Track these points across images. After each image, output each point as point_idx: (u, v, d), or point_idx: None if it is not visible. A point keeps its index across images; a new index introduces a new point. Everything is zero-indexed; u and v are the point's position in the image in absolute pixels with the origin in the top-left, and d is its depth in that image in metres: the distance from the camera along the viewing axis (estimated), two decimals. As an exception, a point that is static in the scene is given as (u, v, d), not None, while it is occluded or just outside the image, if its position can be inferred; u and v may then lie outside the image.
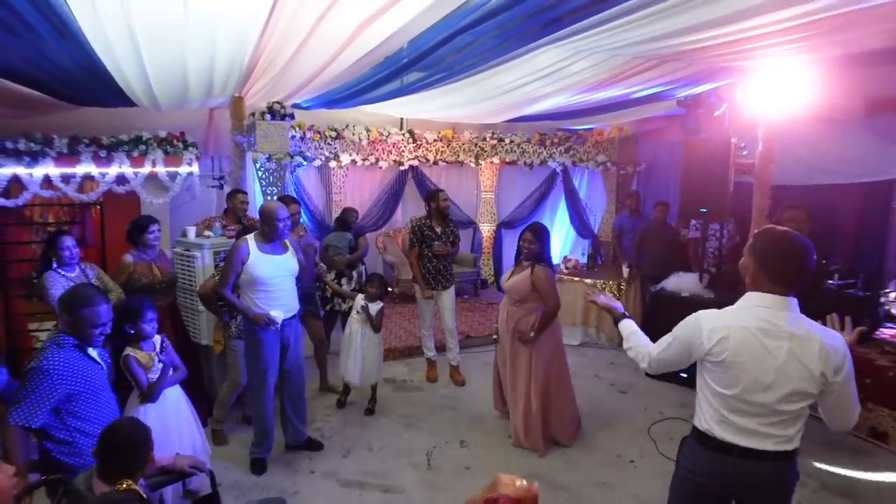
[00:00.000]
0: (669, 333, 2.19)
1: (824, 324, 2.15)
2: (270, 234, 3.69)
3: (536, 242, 4.12)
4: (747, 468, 2.03)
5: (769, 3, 3.04)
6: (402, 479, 3.85)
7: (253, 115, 5.69)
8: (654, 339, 2.36)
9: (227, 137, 6.04)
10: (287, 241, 3.83)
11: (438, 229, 5.27)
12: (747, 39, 3.77)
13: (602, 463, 4.09)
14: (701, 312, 2.10)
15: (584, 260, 7.43)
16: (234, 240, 4.27)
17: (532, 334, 4.12)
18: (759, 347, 1.95)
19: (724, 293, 5.48)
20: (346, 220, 5.80)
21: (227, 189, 5.89)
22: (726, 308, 2.07)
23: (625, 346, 2.43)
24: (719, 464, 2.07)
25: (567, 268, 6.99)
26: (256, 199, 6.07)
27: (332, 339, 5.64)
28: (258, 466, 3.90)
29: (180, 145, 5.70)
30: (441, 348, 5.66)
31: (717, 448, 2.06)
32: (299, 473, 3.90)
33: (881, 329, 5.06)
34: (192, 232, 4.69)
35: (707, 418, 2.09)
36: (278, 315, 3.68)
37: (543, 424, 4.20)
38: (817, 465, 4.01)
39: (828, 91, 4.64)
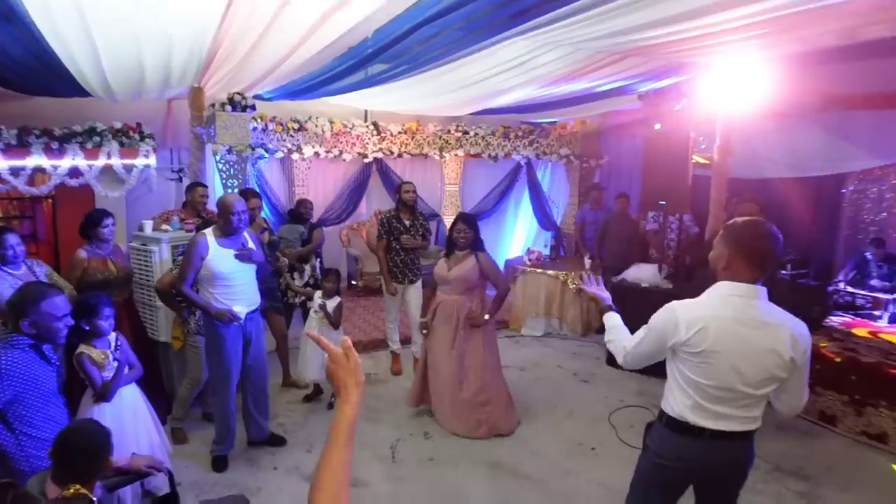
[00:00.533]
0: (644, 326, 2.20)
1: None
2: (226, 228, 3.62)
3: (471, 231, 4.26)
4: (715, 449, 2.11)
5: (727, 1, 3.11)
6: (366, 472, 3.85)
7: (213, 105, 5.55)
8: None
9: (186, 129, 5.88)
10: (246, 234, 3.76)
11: (407, 222, 5.25)
12: (706, 36, 3.86)
13: (565, 451, 4.15)
14: (675, 303, 2.11)
15: (546, 252, 7.51)
16: (193, 234, 4.19)
17: (487, 317, 4.31)
18: (736, 337, 2.00)
19: (680, 284, 5.62)
20: (300, 212, 5.68)
21: (186, 182, 5.75)
22: (700, 298, 2.10)
23: (605, 338, 2.42)
24: (689, 447, 2.14)
25: (530, 260, 7.06)
26: (217, 192, 5.93)
27: (290, 333, 5.57)
28: (220, 464, 3.84)
29: (137, 137, 5.53)
30: (406, 341, 5.66)
31: (688, 432, 2.11)
32: (262, 470, 3.86)
33: (830, 317, 5.27)
34: (149, 226, 4.57)
35: (679, 405, 2.13)
36: (241, 310, 3.63)
37: (491, 408, 4.35)
38: (770, 447, 4.15)
39: (782, 87, 4.78)
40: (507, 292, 4.42)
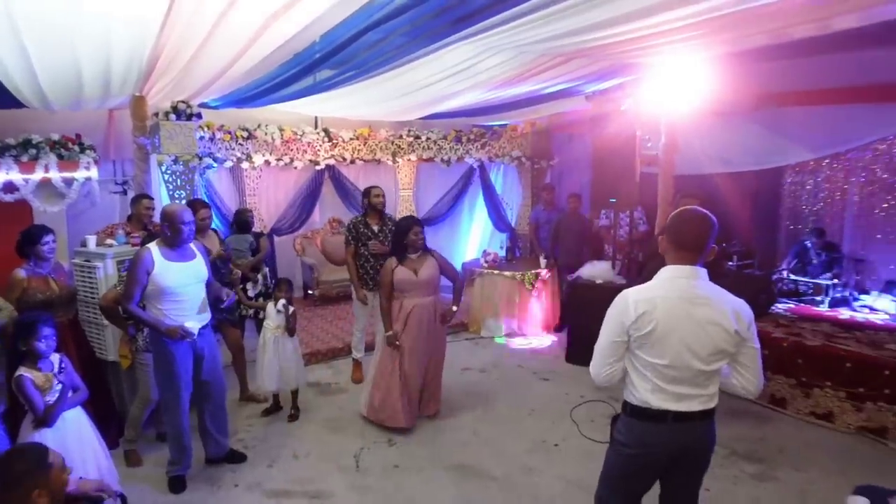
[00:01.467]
0: (603, 323, 2.27)
1: None
2: (174, 240, 3.47)
3: (423, 232, 4.39)
4: (679, 432, 2.21)
5: (666, 2, 3.21)
6: (330, 483, 3.79)
7: (156, 115, 5.39)
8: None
9: (128, 139, 5.68)
10: (193, 246, 3.63)
11: (375, 227, 5.20)
12: (648, 37, 3.97)
13: (529, 449, 4.19)
14: (626, 290, 2.22)
15: (502, 253, 7.57)
16: (139, 247, 4.05)
17: (454, 308, 4.51)
18: (683, 315, 2.12)
19: (634, 279, 5.76)
20: (245, 220, 5.53)
21: (131, 195, 5.55)
22: (647, 283, 2.22)
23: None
24: (654, 433, 2.23)
25: (487, 261, 7.10)
26: (163, 203, 5.76)
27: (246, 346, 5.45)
28: (177, 485, 3.70)
29: (76, 148, 5.29)
30: (371, 348, 5.60)
31: (652, 418, 2.21)
32: (222, 488, 3.75)
33: (776, 304, 5.48)
34: (92, 241, 4.39)
35: (641, 391, 2.21)
36: (193, 326, 3.48)
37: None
38: (726, 433, 4.28)
39: (721, 86, 4.96)
40: (463, 283, 4.65)
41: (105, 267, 4.14)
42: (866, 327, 4.86)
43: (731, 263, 5.92)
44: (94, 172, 5.40)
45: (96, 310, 4.11)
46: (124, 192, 5.96)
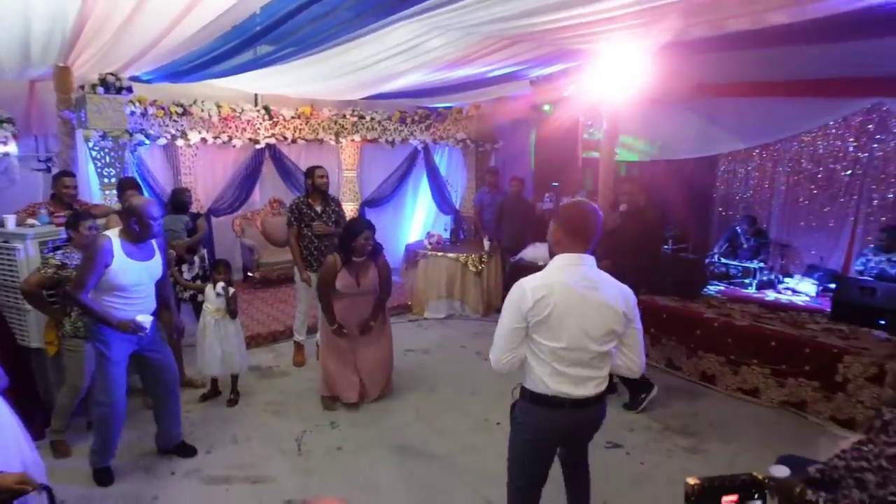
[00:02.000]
0: (501, 312, 2.37)
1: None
2: (143, 236, 3.29)
3: (373, 237, 4.31)
4: (575, 417, 2.38)
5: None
6: (271, 468, 3.73)
7: (82, 87, 5.08)
8: None
9: (52, 113, 5.33)
10: (154, 242, 3.45)
11: (318, 208, 5.10)
12: (589, 24, 4.02)
13: (470, 428, 4.24)
14: (522, 279, 2.32)
15: (446, 235, 7.59)
16: (63, 228, 3.83)
17: (372, 323, 4.49)
18: (577, 298, 2.24)
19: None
20: (182, 200, 5.29)
21: (55, 171, 5.23)
22: (542, 272, 2.35)
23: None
24: (553, 418, 2.38)
25: (430, 243, 7.10)
26: (91, 181, 5.47)
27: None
28: (103, 477, 3.52)
29: (-9, 122, 4.95)
30: (313, 330, 5.52)
31: (550, 404, 2.34)
32: (157, 477, 3.62)
33: (708, 286, 5.73)
34: (11, 221, 4.10)
35: (539, 377, 2.32)
36: (145, 319, 3.32)
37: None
38: (660, 410, 4.46)
39: (661, 75, 5.08)
40: (387, 297, 4.62)
41: (26, 248, 3.88)
42: (790, 308, 5.15)
43: (666, 247, 6.14)
44: (12, 147, 5.06)
45: (17, 294, 3.86)
46: (48, 170, 5.60)
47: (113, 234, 3.28)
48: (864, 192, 5.93)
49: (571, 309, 2.23)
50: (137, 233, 3.29)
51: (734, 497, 0.66)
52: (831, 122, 6.00)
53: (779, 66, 5.24)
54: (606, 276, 2.36)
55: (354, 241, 4.22)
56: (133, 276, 3.28)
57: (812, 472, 2.52)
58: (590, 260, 2.33)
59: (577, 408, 2.34)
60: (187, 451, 3.88)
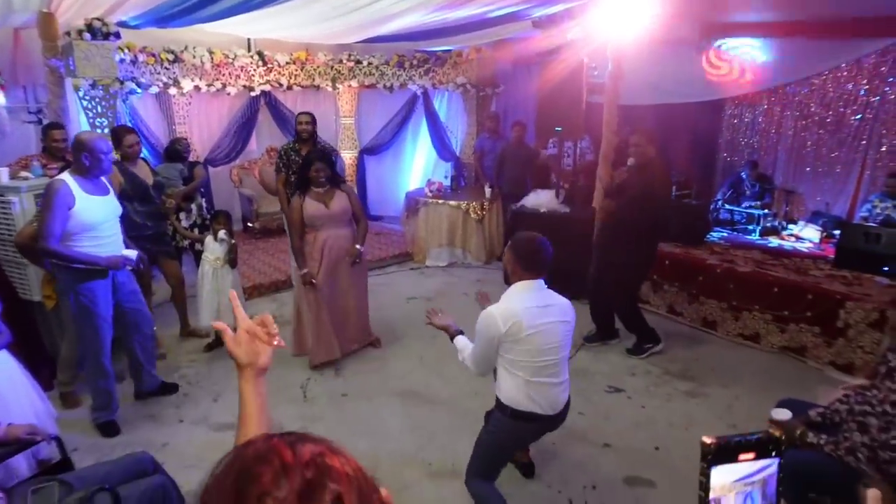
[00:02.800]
0: (476, 338, 2.66)
1: None
2: (93, 171, 3.19)
3: (328, 168, 4.22)
4: (549, 424, 2.70)
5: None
6: (277, 415, 3.78)
7: (68, 34, 4.89)
8: None
9: (39, 62, 5.16)
10: (104, 179, 3.38)
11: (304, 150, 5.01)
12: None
13: (473, 374, 4.28)
14: (490, 308, 2.59)
15: (447, 182, 7.50)
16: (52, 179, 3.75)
17: (358, 246, 4.37)
18: (540, 318, 2.54)
19: (578, 208, 5.83)
20: (177, 149, 5.21)
21: (46, 123, 5.12)
22: (505, 300, 2.62)
23: (459, 357, 2.83)
24: (529, 429, 2.71)
25: (431, 191, 7.03)
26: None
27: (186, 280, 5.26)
28: (110, 429, 3.58)
29: (-24, 72, 4.80)
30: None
31: (526, 419, 2.61)
32: (166, 425, 3.69)
33: (711, 233, 5.69)
34: (4, 174, 4.03)
35: (513, 391, 2.60)
36: (130, 253, 3.32)
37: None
38: (660, 355, 4.51)
39: (668, 15, 4.90)
40: (367, 224, 4.56)
41: (21, 201, 3.83)
42: (793, 255, 5.13)
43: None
44: (0, 99, 4.92)
45: (15, 248, 3.83)
46: (39, 122, 5.47)
47: (65, 176, 3.19)
48: (874, 137, 5.81)
49: (538, 327, 2.52)
50: (88, 167, 3.20)
51: (751, 455, 0.65)
52: (843, 65, 5.82)
53: (790, 6, 5.05)
54: (556, 295, 2.68)
55: (307, 173, 4.20)
56: (99, 213, 3.24)
57: (813, 415, 2.55)
58: (541, 283, 2.65)
59: (550, 421, 2.68)
60: (170, 388, 3.97)
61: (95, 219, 3.21)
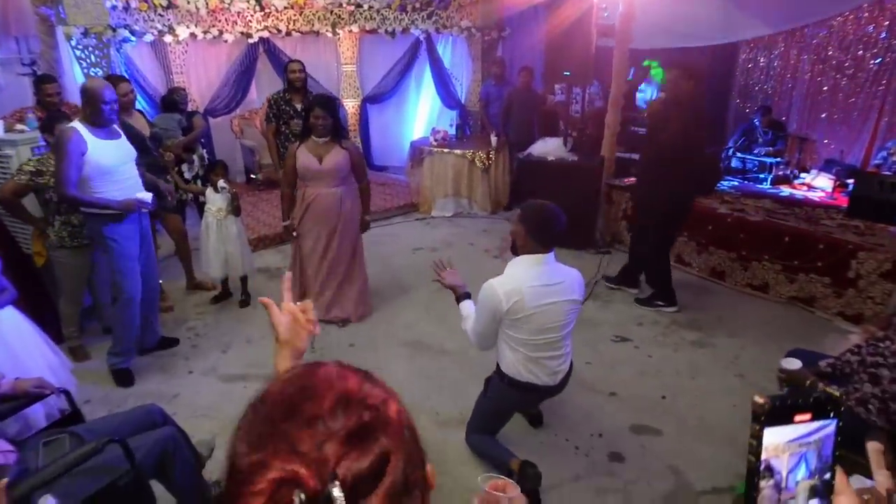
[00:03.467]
0: (475, 310, 2.60)
1: None
2: (95, 119, 3.15)
3: (330, 117, 3.86)
4: (548, 393, 2.71)
5: None
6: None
7: (57, -21, 4.72)
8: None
9: (29, 11, 5.00)
10: (116, 126, 3.34)
11: (298, 105, 4.90)
12: None
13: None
14: (493, 280, 2.50)
15: (452, 131, 7.35)
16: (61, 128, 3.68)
17: (368, 217, 4.18)
18: (545, 296, 2.47)
19: (586, 155, 5.71)
20: (174, 99, 5.08)
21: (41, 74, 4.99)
22: (509, 273, 2.53)
23: (462, 325, 2.75)
24: (529, 399, 2.75)
25: (436, 140, 6.90)
26: (79, 82, 5.21)
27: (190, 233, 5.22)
28: (125, 378, 3.62)
29: (-35, 20, 4.65)
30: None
31: (525, 389, 2.61)
32: (176, 376, 3.72)
33: (722, 181, 5.58)
34: (-1, 127, 3.96)
35: (513, 364, 2.57)
36: (144, 195, 3.28)
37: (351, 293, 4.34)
38: (668, 310, 4.48)
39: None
40: (369, 186, 4.25)
41: (18, 154, 3.77)
42: (805, 204, 5.05)
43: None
44: (-8, 51, 4.78)
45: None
46: (34, 73, 5.33)
47: (76, 123, 3.16)
48: (893, 82, 5.62)
49: (540, 307, 2.45)
50: (90, 116, 3.17)
51: (808, 415, 0.59)
52: (865, 5, 5.58)
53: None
54: (565, 269, 2.58)
55: (307, 119, 3.92)
56: (112, 156, 3.22)
57: (823, 365, 2.53)
58: (550, 257, 2.53)
59: (547, 391, 2.68)
60: (170, 342, 4.00)
61: (110, 162, 3.20)
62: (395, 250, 5.72)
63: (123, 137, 3.37)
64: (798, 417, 0.60)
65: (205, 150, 5.08)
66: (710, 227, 4.87)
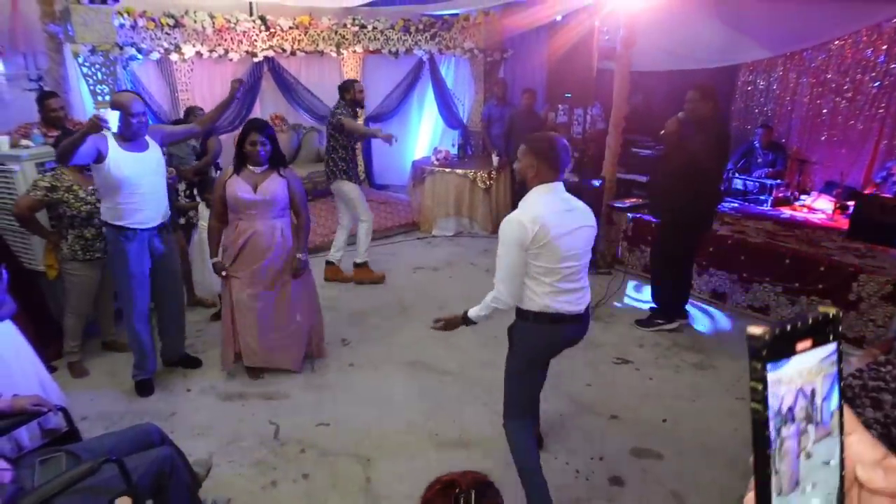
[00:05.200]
0: (500, 252, 2.53)
1: None
2: (126, 131, 3.22)
3: (269, 143, 3.43)
4: (572, 329, 2.64)
5: None
6: (284, 385, 3.79)
7: (66, -3, 4.79)
8: None
9: (38, 28, 5.07)
10: (148, 138, 3.38)
11: (360, 121, 5.04)
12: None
13: (483, 343, 4.26)
14: (510, 216, 2.49)
15: (454, 151, 7.39)
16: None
17: (301, 255, 3.64)
18: (564, 222, 2.47)
19: (588, 175, 5.73)
20: (189, 122, 5.05)
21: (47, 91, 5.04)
22: (527, 204, 2.51)
23: (483, 313, 2.65)
24: (556, 332, 2.61)
25: (438, 159, 6.94)
26: (85, 99, 5.27)
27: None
28: (144, 388, 3.67)
29: (-26, 37, 4.70)
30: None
31: (551, 320, 2.55)
32: (174, 394, 3.71)
33: (722, 203, 5.58)
34: (5, 142, 3.98)
35: (541, 296, 2.52)
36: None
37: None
38: (668, 327, 4.47)
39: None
40: (309, 224, 3.75)
41: (23, 170, 3.79)
42: (806, 226, 5.05)
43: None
44: (-1, 67, 4.84)
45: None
46: (40, 89, 5.38)
47: (107, 133, 3.22)
48: (892, 105, 5.65)
49: (562, 231, 2.44)
50: (120, 129, 3.21)
51: (808, 342, 0.45)
52: (863, 29, 5.64)
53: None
54: (576, 199, 2.60)
55: (242, 145, 3.43)
56: (133, 168, 3.24)
57: (825, 390, 2.51)
58: (561, 186, 2.55)
59: (574, 321, 2.59)
60: (192, 362, 3.99)
61: (129, 173, 3.23)
62: (395, 269, 5.72)
63: (152, 150, 3.39)
64: (800, 346, 0.47)
65: (217, 174, 4.98)
66: (710, 248, 4.87)
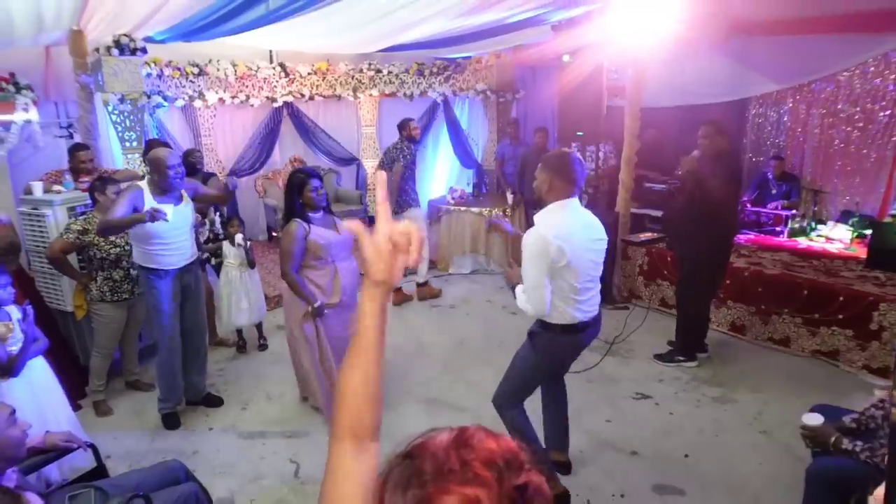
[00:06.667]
0: (525, 266, 2.59)
1: None
2: (162, 185, 3.39)
3: (323, 188, 3.54)
4: (589, 334, 2.83)
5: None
6: (304, 423, 3.82)
7: (97, 50, 5.02)
8: None
9: (69, 78, 5.29)
10: (183, 191, 3.56)
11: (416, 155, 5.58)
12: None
13: (497, 380, 4.25)
14: (533, 230, 2.57)
15: (469, 190, 7.50)
16: (88, 193, 3.89)
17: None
18: (582, 237, 2.61)
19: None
20: (190, 162, 5.09)
21: (77, 138, 5.25)
22: (545, 219, 2.59)
23: (518, 303, 2.72)
24: (575, 342, 2.80)
25: (453, 198, 7.05)
26: (114, 146, 5.47)
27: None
28: (171, 421, 3.76)
29: (11, 88, 4.91)
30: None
31: (574, 331, 2.72)
32: (196, 433, 3.74)
33: (738, 235, 5.58)
34: (38, 188, 4.15)
35: (568, 311, 2.66)
36: (167, 208, 3.34)
37: None
38: (688, 365, 4.43)
39: (690, 14, 4.84)
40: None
41: (54, 214, 3.94)
42: (823, 256, 5.03)
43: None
44: (33, 114, 5.03)
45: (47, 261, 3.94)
46: (70, 136, 5.62)
47: (143, 184, 3.42)
48: (905, 133, 5.67)
49: (582, 246, 2.58)
50: (157, 182, 3.38)
51: None
52: (871, 60, 5.70)
53: (816, 0, 4.96)
54: (590, 213, 2.75)
55: (301, 195, 3.42)
56: (166, 224, 3.35)
57: (847, 421, 2.49)
58: (577, 201, 2.69)
59: (593, 325, 2.79)
60: (214, 401, 4.04)
61: (163, 228, 3.36)
62: (412, 307, 5.77)
63: (185, 203, 3.56)
64: None
65: (217, 215, 5.05)
66: (727, 280, 4.86)
